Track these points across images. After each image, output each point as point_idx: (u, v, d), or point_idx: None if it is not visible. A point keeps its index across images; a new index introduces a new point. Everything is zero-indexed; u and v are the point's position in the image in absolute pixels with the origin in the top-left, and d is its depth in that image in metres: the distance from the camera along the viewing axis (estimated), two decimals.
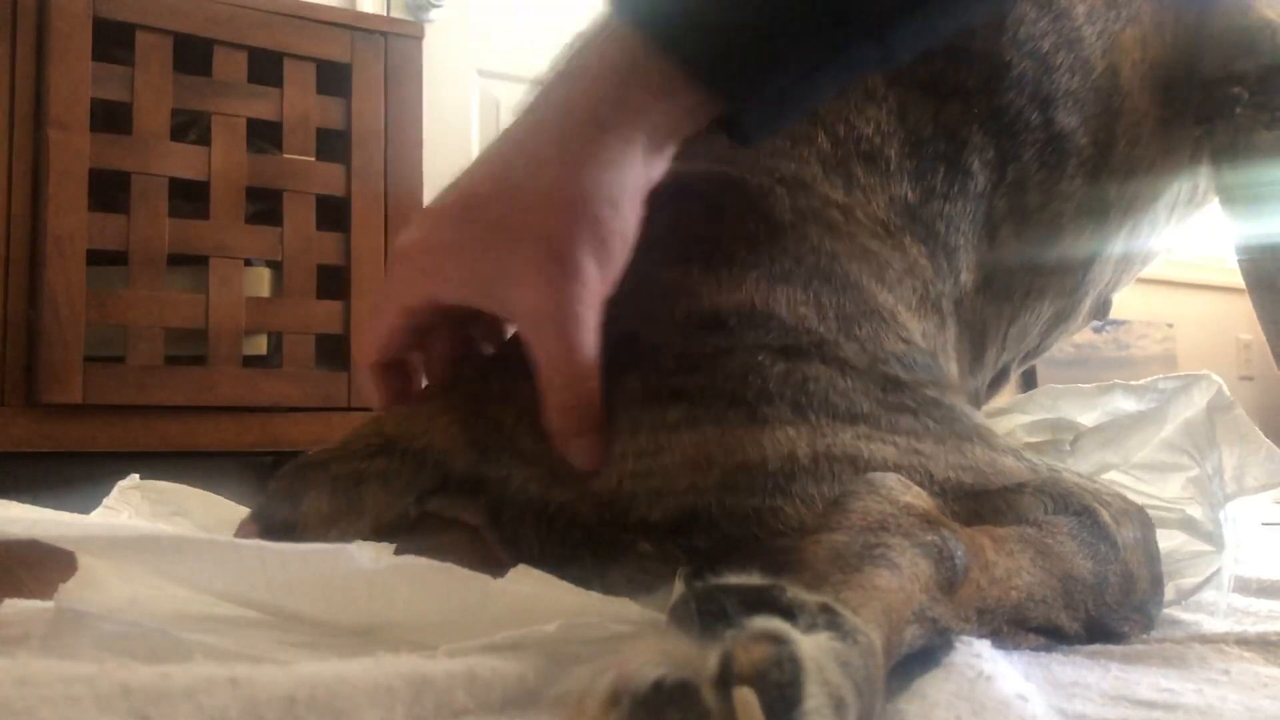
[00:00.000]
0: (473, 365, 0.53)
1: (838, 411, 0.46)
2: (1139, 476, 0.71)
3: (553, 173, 0.45)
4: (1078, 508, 0.47)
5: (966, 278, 0.63)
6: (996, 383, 0.74)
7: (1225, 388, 0.66)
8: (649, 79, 0.45)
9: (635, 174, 0.46)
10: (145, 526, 0.54)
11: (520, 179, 0.46)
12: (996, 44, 0.63)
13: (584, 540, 0.45)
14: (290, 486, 0.50)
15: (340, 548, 0.40)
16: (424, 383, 0.55)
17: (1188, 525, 0.65)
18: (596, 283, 0.45)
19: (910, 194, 0.59)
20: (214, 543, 0.41)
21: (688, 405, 0.46)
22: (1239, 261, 0.74)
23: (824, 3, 0.45)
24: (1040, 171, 0.64)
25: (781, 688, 0.25)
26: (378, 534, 0.46)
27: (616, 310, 0.47)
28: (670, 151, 0.48)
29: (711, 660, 0.25)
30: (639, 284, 0.49)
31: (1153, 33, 0.69)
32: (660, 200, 0.48)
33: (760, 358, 0.47)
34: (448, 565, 0.41)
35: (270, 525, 0.50)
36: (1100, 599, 0.47)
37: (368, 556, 0.40)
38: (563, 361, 0.45)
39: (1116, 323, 3.12)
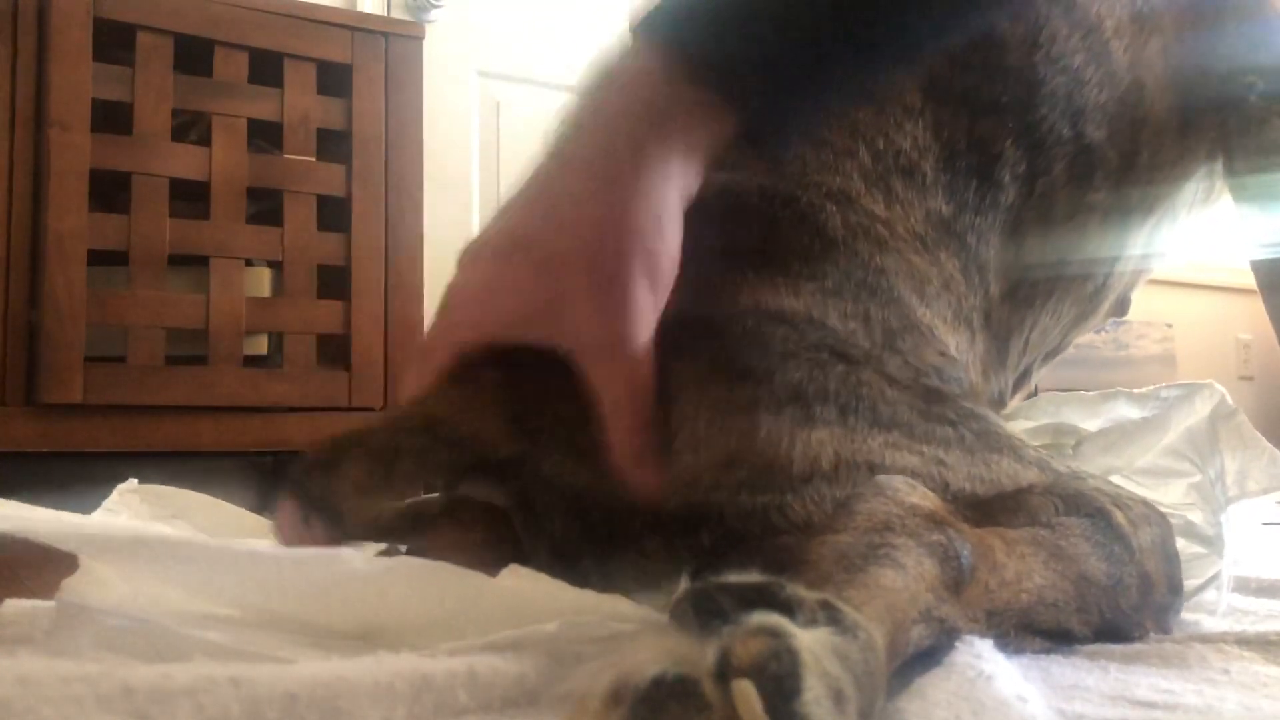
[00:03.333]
0: (513, 357, 0.54)
1: (879, 419, 0.47)
2: (1141, 482, 0.71)
3: (599, 203, 0.46)
4: (1090, 509, 0.46)
5: (995, 289, 0.63)
6: (1019, 384, 0.75)
7: (1228, 396, 0.67)
8: (686, 107, 0.46)
9: (677, 194, 0.47)
10: (140, 528, 0.54)
11: (566, 212, 0.46)
12: (1030, 60, 0.63)
13: (605, 528, 0.45)
14: (328, 456, 0.50)
15: (335, 551, 0.40)
16: None
17: (1188, 530, 0.65)
18: (650, 307, 0.46)
19: (944, 207, 0.60)
20: (207, 546, 0.41)
21: (749, 393, 0.46)
22: (1251, 261, 0.74)
23: (854, 30, 0.45)
24: (1069, 184, 0.65)
25: (780, 679, 0.25)
26: (406, 511, 0.47)
27: (673, 310, 0.47)
28: (704, 161, 0.48)
29: (710, 655, 0.26)
30: (697, 290, 0.49)
31: (1174, 40, 0.70)
32: (713, 214, 0.49)
33: (823, 356, 0.48)
34: (441, 564, 0.41)
35: (308, 495, 0.50)
36: (1115, 602, 0.46)
37: (361, 559, 0.40)
38: (625, 390, 0.46)
39: (1116, 323, 3.11)
